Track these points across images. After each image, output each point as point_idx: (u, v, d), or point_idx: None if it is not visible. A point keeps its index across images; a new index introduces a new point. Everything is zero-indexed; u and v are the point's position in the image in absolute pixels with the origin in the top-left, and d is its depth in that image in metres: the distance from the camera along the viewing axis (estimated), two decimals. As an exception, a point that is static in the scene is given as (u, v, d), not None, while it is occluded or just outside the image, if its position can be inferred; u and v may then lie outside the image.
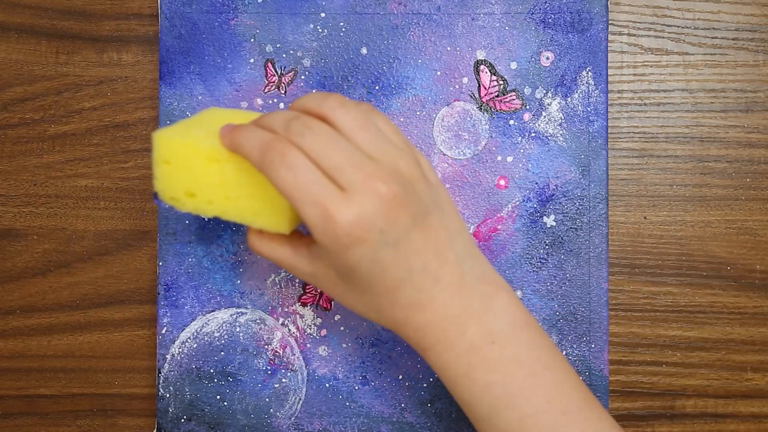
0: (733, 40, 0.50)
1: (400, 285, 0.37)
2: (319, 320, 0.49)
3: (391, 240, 0.36)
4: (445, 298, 0.38)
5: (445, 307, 0.38)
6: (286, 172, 0.35)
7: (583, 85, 0.48)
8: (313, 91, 0.49)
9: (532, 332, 0.38)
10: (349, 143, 0.36)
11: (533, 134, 0.48)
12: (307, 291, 0.49)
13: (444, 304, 0.38)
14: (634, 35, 0.50)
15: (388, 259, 0.36)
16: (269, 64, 0.49)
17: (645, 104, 0.50)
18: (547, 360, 0.38)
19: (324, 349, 0.49)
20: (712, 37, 0.50)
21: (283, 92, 0.49)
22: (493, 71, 0.48)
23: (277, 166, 0.35)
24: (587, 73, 0.48)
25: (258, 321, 0.49)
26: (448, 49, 0.49)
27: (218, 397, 0.49)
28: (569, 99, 0.48)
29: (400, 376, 0.49)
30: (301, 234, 0.41)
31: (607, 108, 0.48)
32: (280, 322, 0.49)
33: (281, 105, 0.49)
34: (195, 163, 0.39)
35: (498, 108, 0.49)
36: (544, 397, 0.37)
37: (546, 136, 0.48)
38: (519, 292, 0.48)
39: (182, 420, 0.49)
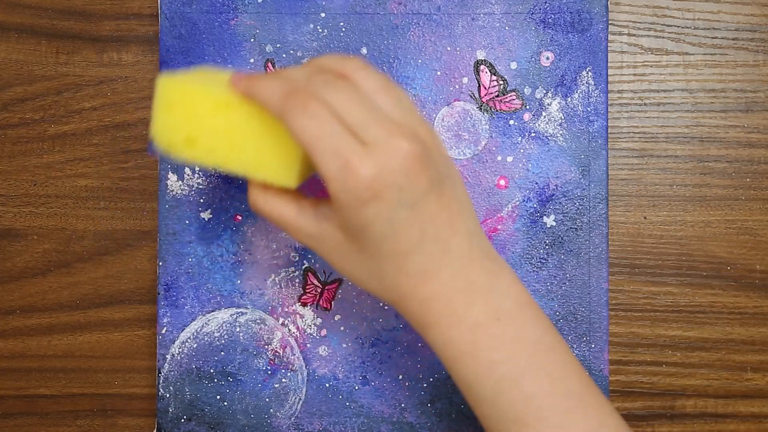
0: (733, 40, 0.50)
1: (411, 251, 0.36)
2: (319, 320, 0.49)
3: (409, 200, 0.35)
4: (453, 270, 0.37)
5: (453, 280, 0.37)
6: (309, 121, 0.34)
7: (583, 85, 0.48)
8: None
9: (535, 312, 0.38)
10: (372, 102, 0.36)
11: (533, 134, 0.48)
12: (307, 291, 0.49)
13: (452, 276, 0.37)
14: (634, 35, 0.50)
15: (403, 221, 0.35)
16: (269, 64, 0.49)
17: (645, 104, 0.50)
18: (549, 341, 0.37)
19: (324, 349, 0.49)
20: (712, 37, 0.50)
21: (283, 92, 0.49)
22: (493, 71, 0.48)
23: (300, 113, 0.34)
24: (587, 73, 0.48)
25: (258, 321, 0.49)
26: (448, 49, 0.49)
27: (218, 397, 0.49)
28: (569, 99, 0.48)
29: (400, 376, 0.49)
30: (304, 195, 0.39)
31: (607, 108, 0.48)
32: (280, 322, 0.49)
33: (281, 105, 0.49)
34: (201, 108, 0.38)
35: (498, 108, 0.49)
36: (547, 378, 0.36)
37: (546, 136, 0.48)
38: (519, 292, 0.48)
39: (182, 420, 0.49)
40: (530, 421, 0.36)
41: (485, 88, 0.49)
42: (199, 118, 0.38)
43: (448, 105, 0.49)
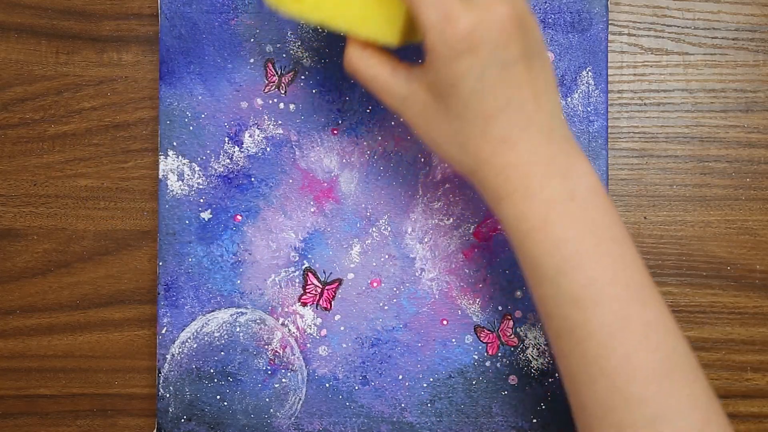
0: (733, 40, 0.50)
1: (496, 114, 0.37)
2: (319, 320, 0.49)
3: (500, 60, 0.36)
4: (533, 144, 0.37)
5: (532, 153, 0.37)
6: None
7: (583, 85, 0.48)
8: (314, 91, 0.49)
9: (608, 203, 0.38)
10: None
11: (533, 134, 0.48)
12: (307, 291, 0.49)
13: (531, 149, 0.37)
14: (634, 35, 0.50)
15: (492, 80, 0.36)
16: (269, 64, 0.49)
17: (645, 104, 0.50)
18: (617, 232, 0.38)
19: (324, 349, 0.49)
20: (712, 37, 0.50)
21: (283, 92, 0.49)
22: (493, 71, 0.48)
23: None
24: (587, 73, 0.48)
25: (258, 321, 0.49)
26: (448, 49, 0.48)
27: (218, 397, 0.49)
28: (569, 99, 0.48)
29: (400, 376, 0.49)
30: (398, 59, 0.40)
31: (607, 108, 0.48)
32: (280, 322, 0.49)
33: (281, 105, 0.49)
34: None
35: (498, 108, 0.49)
36: (611, 265, 0.37)
37: (546, 136, 0.48)
38: (519, 292, 0.48)
39: (182, 420, 0.49)
40: (588, 305, 0.36)
41: (485, 88, 0.49)
42: None
43: (448, 105, 0.49)
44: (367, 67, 0.40)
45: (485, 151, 0.38)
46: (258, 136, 0.49)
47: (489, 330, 0.49)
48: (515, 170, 0.37)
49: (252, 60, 0.49)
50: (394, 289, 0.49)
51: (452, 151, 0.39)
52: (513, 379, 0.48)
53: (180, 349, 0.49)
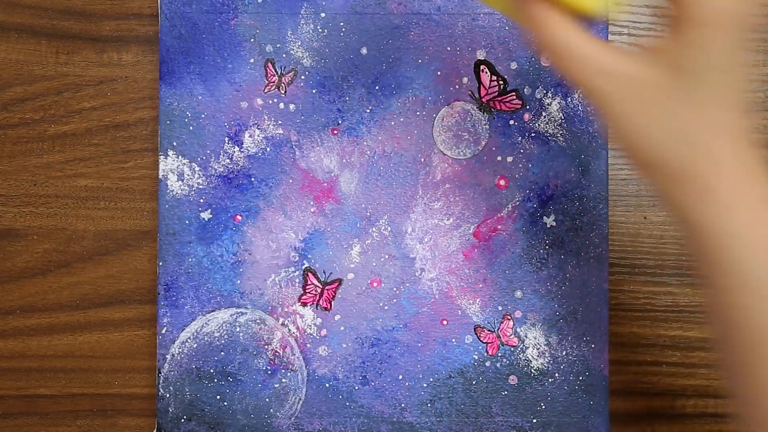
0: (733, 40, 0.50)
1: (734, 101, 0.34)
2: (319, 320, 0.49)
3: (744, 42, 0.33)
4: (744, 139, 0.35)
5: (744, 150, 0.34)
6: None
7: (583, 85, 0.48)
8: (314, 91, 0.49)
9: None
10: None
11: (533, 134, 0.48)
12: (307, 291, 0.49)
13: (744, 144, 0.34)
14: (634, 35, 0.50)
15: (740, 64, 0.34)
16: (269, 64, 0.49)
17: (645, 104, 0.50)
18: None
19: (324, 349, 0.49)
20: (712, 37, 0.50)
21: (283, 92, 0.49)
22: (493, 71, 0.48)
23: None
24: (587, 73, 0.48)
25: (258, 321, 0.49)
26: (448, 49, 0.49)
27: (218, 397, 0.49)
28: (569, 99, 0.48)
29: (400, 376, 0.49)
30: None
31: (607, 108, 0.48)
32: (280, 322, 0.49)
33: (281, 105, 0.49)
34: None
35: (498, 108, 0.49)
36: None
37: (546, 136, 0.48)
38: (519, 292, 0.48)
39: (182, 420, 0.49)
40: None
41: (485, 88, 0.49)
42: None
43: (448, 105, 0.49)
44: (564, 30, 0.36)
45: (709, 141, 0.34)
46: (258, 136, 0.49)
47: (489, 330, 0.49)
48: (726, 166, 0.34)
49: (252, 60, 0.49)
50: (394, 289, 0.49)
51: (661, 139, 0.35)
52: (513, 379, 0.48)
53: (180, 349, 0.49)
